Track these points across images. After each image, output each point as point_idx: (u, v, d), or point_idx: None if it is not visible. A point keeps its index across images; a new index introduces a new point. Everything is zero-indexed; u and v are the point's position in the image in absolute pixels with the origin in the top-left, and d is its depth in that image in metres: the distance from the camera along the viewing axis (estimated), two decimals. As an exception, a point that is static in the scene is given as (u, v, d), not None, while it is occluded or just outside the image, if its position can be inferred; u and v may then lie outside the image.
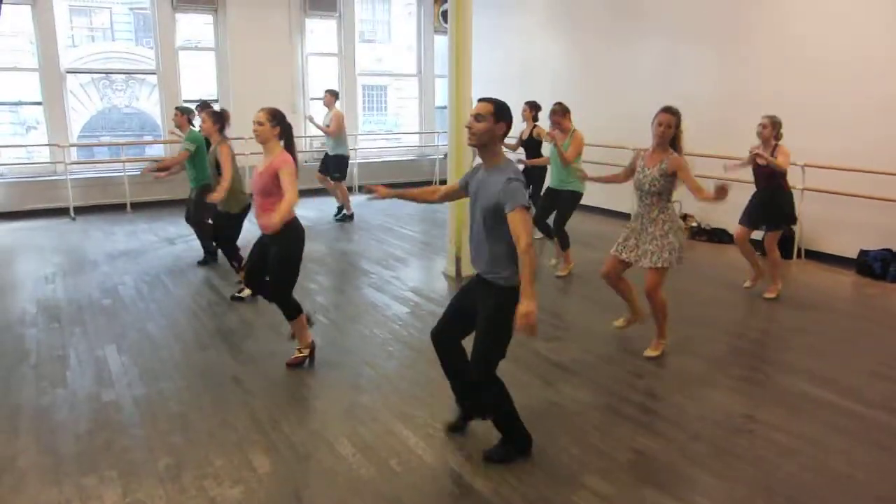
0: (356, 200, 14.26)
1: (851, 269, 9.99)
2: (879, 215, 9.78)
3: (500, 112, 4.39)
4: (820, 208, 10.36)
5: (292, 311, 6.38)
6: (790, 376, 6.37)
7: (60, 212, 13.89)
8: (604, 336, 7.33)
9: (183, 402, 5.81)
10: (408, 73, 19.86)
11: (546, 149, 10.58)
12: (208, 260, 10.24)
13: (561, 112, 9.50)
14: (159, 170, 10.32)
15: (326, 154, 13.53)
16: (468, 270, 9.27)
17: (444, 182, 14.06)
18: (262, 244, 6.34)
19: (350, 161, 14.03)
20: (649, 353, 6.77)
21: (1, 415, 5.57)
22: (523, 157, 11.08)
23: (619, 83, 13.24)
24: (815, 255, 10.61)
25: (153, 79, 16.31)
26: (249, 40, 15.90)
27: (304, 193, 15.25)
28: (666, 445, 5.12)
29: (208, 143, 8.90)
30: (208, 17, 15.97)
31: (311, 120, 14.16)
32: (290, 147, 6.27)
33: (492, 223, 4.37)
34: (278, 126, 6.15)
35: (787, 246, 10.57)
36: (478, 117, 4.39)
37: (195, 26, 16.76)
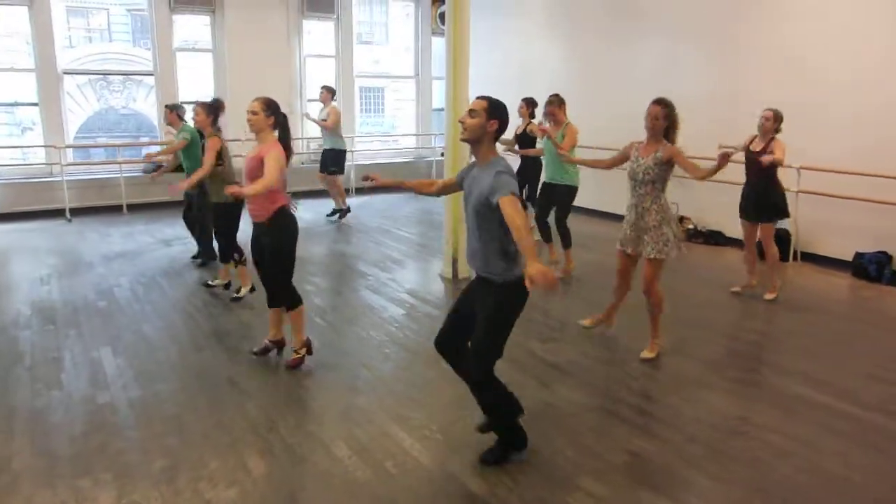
0: (355, 202, 14.24)
1: (847, 271, 10.00)
2: (875, 218, 9.79)
3: (493, 109, 4.40)
4: (816, 211, 10.36)
5: (294, 300, 6.45)
6: (786, 378, 6.37)
7: (56, 213, 13.86)
8: (600, 337, 7.33)
9: (178, 403, 5.81)
10: (405, 75, 19.87)
11: (541, 144, 10.59)
12: (202, 256, 10.30)
13: (557, 103, 9.50)
14: (156, 169, 10.31)
15: (324, 150, 13.54)
16: (465, 272, 9.29)
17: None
18: (256, 239, 6.35)
19: (347, 162, 14.03)
20: (645, 354, 6.76)
21: (-4, 416, 5.57)
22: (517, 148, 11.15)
23: (617, 84, 13.25)
24: (810, 258, 10.62)
25: (150, 80, 16.33)
26: (247, 41, 15.90)
27: (302, 195, 15.33)
28: (661, 447, 5.11)
29: (203, 137, 8.88)
30: (206, 19, 15.98)
31: (308, 116, 14.20)
32: (284, 139, 6.26)
33: (484, 217, 4.37)
34: (272, 116, 6.16)
35: (783, 248, 10.55)
36: (471, 112, 4.41)
37: (193, 27, 16.75)
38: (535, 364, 6.59)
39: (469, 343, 4.70)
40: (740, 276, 9.09)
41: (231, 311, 8.21)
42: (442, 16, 17.53)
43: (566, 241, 9.61)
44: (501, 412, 4.77)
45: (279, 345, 6.73)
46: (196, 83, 16.69)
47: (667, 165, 6.39)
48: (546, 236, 9.86)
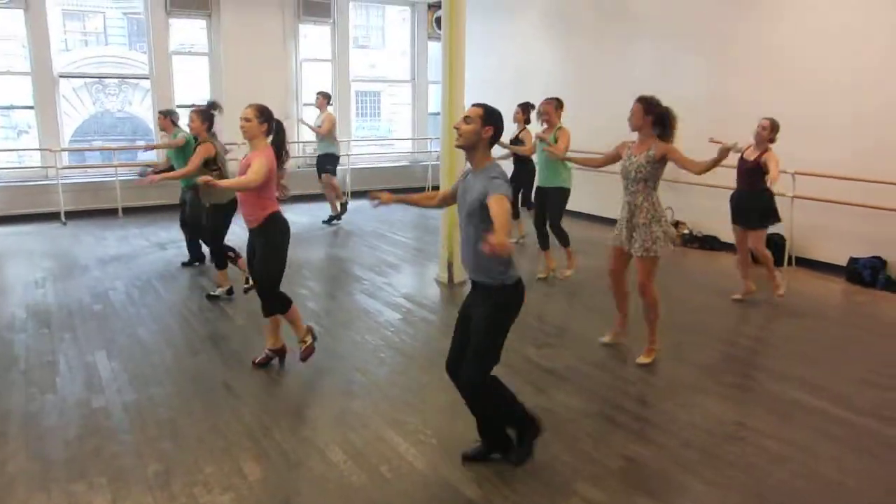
0: (350, 206, 14.24)
1: (841, 276, 10.01)
2: (869, 223, 9.80)
3: (488, 116, 4.41)
4: (810, 216, 10.37)
5: (280, 306, 6.41)
6: (781, 383, 6.38)
7: (51, 216, 13.84)
8: (596, 343, 7.31)
9: (173, 408, 5.79)
10: (401, 79, 19.89)
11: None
12: (193, 262, 10.31)
13: (555, 105, 9.54)
14: (156, 172, 10.31)
15: (318, 156, 13.56)
16: (461, 276, 9.29)
17: (436, 188, 14.08)
18: (251, 244, 6.36)
19: (343, 166, 14.05)
20: (641, 360, 6.76)
21: (-10, 420, 5.56)
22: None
23: (612, 87, 13.25)
24: (805, 263, 10.62)
25: (146, 83, 16.33)
26: (243, 45, 15.90)
27: (298, 199, 15.36)
28: (658, 452, 5.11)
29: (197, 143, 8.88)
30: (202, 22, 15.98)
31: (303, 121, 14.22)
32: (278, 144, 6.27)
33: (478, 221, 4.37)
34: (266, 123, 6.16)
35: (777, 253, 10.58)
36: (466, 119, 4.42)
37: (189, 31, 16.78)
38: (532, 370, 6.59)
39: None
40: (735, 281, 9.09)
41: (227, 315, 8.20)
42: (438, 20, 17.54)
43: (564, 241, 9.61)
44: (500, 416, 4.74)
45: (280, 353, 6.70)
46: (192, 87, 16.71)
47: (659, 164, 6.40)
48: (544, 243, 9.83)
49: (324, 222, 13.74)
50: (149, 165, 12.58)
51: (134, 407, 5.78)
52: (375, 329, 7.78)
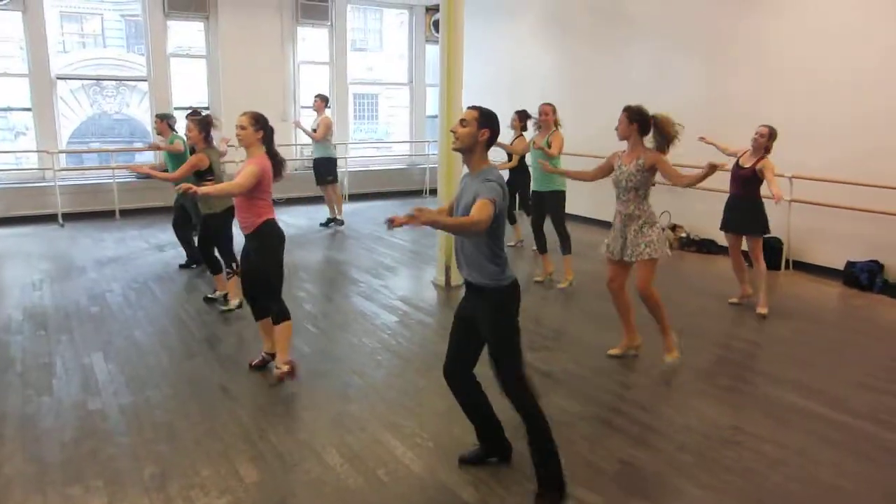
0: (348, 208, 14.24)
1: (838, 280, 10.01)
2: (866, 227, 9.81)
3: (484, 118, 4.40)
4: (807, 220, 10.39)
5: (280, 313, 6.35)
6: (778, 387, 6.38)
7: (49, 218, 13.83)
8: (593, 346, 7.31)
9: (169, 410, 5.79)
10: (399, 82, 19.90)
11: (528, 158, 10.65)
12: (190, 264, 10.32)
13: (553, 110, 9.56)
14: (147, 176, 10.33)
15: (315, 160, 13.55)
16: (457, 279, 9.28)
17: (433, 191, 14.08)
18: (246, 251, 6.34)
19: (340, 168, 14.06)
20: (667, 358, 6.71)
21: (-14, 422, 5.55)
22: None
23: (609, 91, 13.25)
24: (802, 267, 10.63)
25: (144, 85, 16.30)
26: (241, 48, 15.90)
27: (295, 202, 15.41)
28: (654, 456, 5.12)
29: (193, 151, 8.87)
30: (200, 24, 15.97)
31: (299, 125, 14.23)
32: (270, 151, 6.26)
33: None
34: (261, 130, 6.15)
35: (774, 257, 10.60)
36: (462, 122, 4.42)
37: (187, 33, 16.76)
38: (528, 373, 6.57)
39: (474, 367, 4.74)
40: (732, 285, 9.09)
41: (223, 318, 8.20)
42: (436, 23, 17.58)
43: (565, 247, 9.59)
44: (545, 443, 4.52)
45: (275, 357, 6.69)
46: (190, 89, 16.71)
47: (649, 172, 6.41)
48: (541, 247, 9.82)
49: (321, 224, 13.73)
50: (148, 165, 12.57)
51: (130, 409, 5.78)
52: (372, 332, 7.78)
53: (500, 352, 4.48)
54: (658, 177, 6.52)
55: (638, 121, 6.44)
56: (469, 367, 4.74)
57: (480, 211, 4.13)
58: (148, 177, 10.03)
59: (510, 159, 11.42)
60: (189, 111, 10.51)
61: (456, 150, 4.50)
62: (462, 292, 4.84)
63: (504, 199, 4.29)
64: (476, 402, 4.79)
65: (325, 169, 13.40)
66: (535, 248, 10.20)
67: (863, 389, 6.37)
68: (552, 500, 4.49)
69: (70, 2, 22.01)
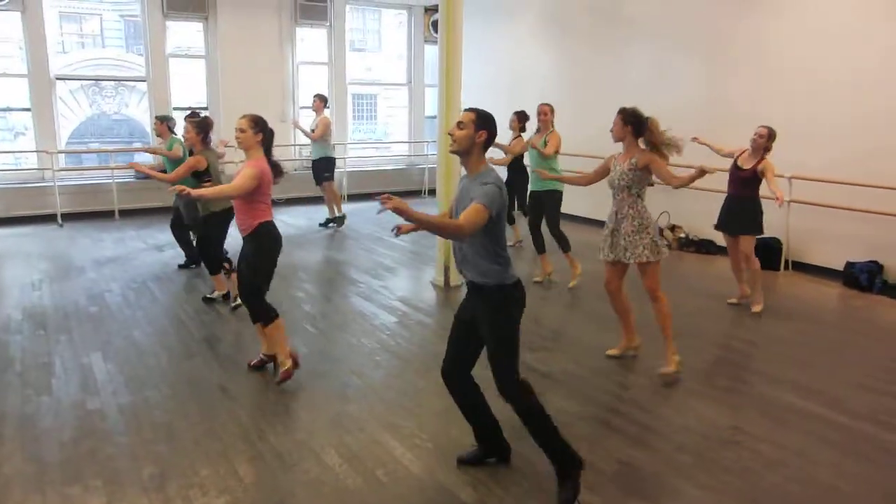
0: (347, 208, 14.24)
1: (838, 280, 10.01)
2: (866, 227, 9.82)
3: (481, 120, 4.40)
4: (807, 220, 10.39)
5: (264, 315, 6.33)
6: (776, 387, 6.38)
7: (48, 218, 13.83)
8: (592, 347, 7.31)
9: (168, 410, 5.79)
10: (398, 83, 19.90)
11: (526, 157, 10.67)
12: (189, 264, 10.32)
13: (552, 110, 9.62)
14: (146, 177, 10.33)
15: (313, 161, 13.56)
16: (457, 280, 9.29)
17: (432, 191, 14.08)
18: (243, 249, 6.33)
19: (339, 169, 14.07)
20: (664, 370, 6.67)
21: (-15, 422, 5.55)
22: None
23: (608, 92, 13.24)
24: (801, 267, 10.64)
25: (143, 86, 16.30)
26: (240, 48, 15.90)
27: (295, 202, 15.39)
28: (652, 456, 5.12)
29: (191, 153, 8.87)
30: (199, 25, 15.97)
31: (297, 125, 14.25)
32: (269, 154, 6.26)
33: None
34: (261, 133, 6.13)
35: (774, 257, 10.61)
36: (460, 124, 4.42)
37: (186, 33, 16.77)
38: (527, 373, 6.49)
39: (472, 369, 4.74)
40: (731, 286, 9.09)
41: (222, 318, 8.20)
42: (434, 24, 17.57)
43: (564, 245, 9.59)
44: (550, 435, 4.54)
45: (274, 359, 6.68)
46: (189, 89, 16.71)
47: (642, 172, 6.41)
48: (539, 247, 9.83)
49: (320, 225, 13.74)
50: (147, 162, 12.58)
51: (129, 409, 5.78)
52: (371, 332, 7.78)
53: (498, 352, 4.47)
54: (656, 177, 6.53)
55: (632, 122, 6.45)
56: (467, 369, 4.74)
57: (469, 216, 4.13)
58: (147, 177, 10.02)
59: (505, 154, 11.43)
60: (188, 113, 10.52)
61: (453, 152, 4.49)
62: (462, 293, 4.84)
63: (502, 200, 4.29)
64: (474, 403, 4.79)
65: (322, 168, 13.41)
66: (512, 243, 10.23)
67: (862, 390, 6.37)
68: (572, 493, 4.48)
69: (69, 2, 22.01)
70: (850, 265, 9.90)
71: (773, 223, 10.08)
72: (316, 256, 11.50)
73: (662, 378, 6.52)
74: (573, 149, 12.18)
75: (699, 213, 11.45)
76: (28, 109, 14.52)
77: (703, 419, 5.73)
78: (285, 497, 4.56)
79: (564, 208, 9.65)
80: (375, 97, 24.83)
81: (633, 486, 4.74)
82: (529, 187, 9.95)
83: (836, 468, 4.99)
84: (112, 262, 10.77)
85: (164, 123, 9.96)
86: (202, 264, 10.03)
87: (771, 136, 8.30)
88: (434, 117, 12.39)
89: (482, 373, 4.68)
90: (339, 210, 13.72)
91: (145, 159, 15.49)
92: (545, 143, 9.32)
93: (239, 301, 8.35)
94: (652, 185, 6.62)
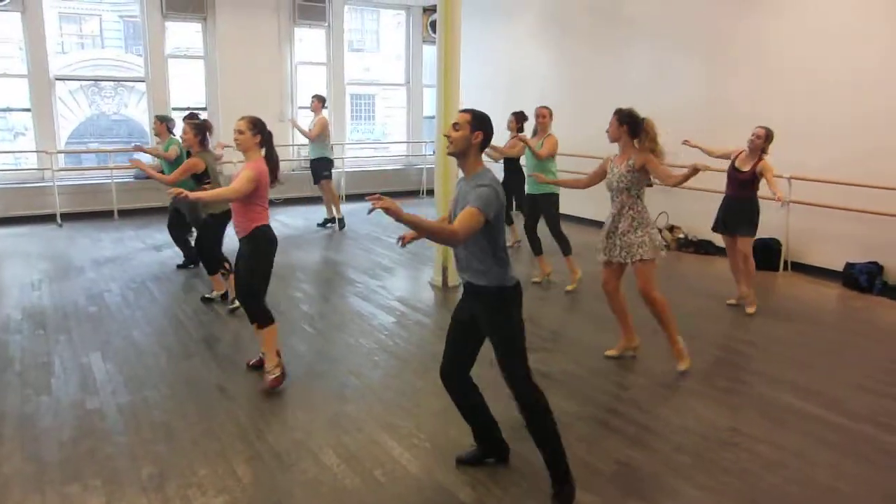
0: (345, 208, 14.24)
1: (838, 281, 10.01)
2: (866, 228, 9.82)
3: (477, 121, 4.39)
4: (806, 221, 10.39)
5: (262, 318, 6.30)
6: (775, 388, 6.38)
7: (47, 218, 13.83)
8: (590, 347, 7.31)
9: (167, 410, 5.79)
10: (396, 83, 19.91)
11: (523, 159, 10.68)
12: (188, 265, 10.34)
13: (550, 113, 9.65)
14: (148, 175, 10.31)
15: (311, 161, 13.58)
16: (455, 280, 9.29)
17: (430, 192, 14.07)
18: (239, 251, 6.33)
19: (338, 169, 14.08)
20: (679, 367, 6.67)
21: (-16, 422, 5.55)
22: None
23: (608, 92, 13.24)
24: (801, 268, 10.64)
25: (142, 86, 16.29)
26: (239, 48, 15.91)
27: (293, 202, 15.39)
28: (651, 457, 5.12)
29: (189, 155, 8.88)
30: (198, 25, 15.97)
31: (295, 123, 14.27)
32: (269, 156, 6.25)
33: None
34: (259, 135, 6.12)
35: (773, 258, 10.61)
36: (455, 126, 4.41)
37: (185, 34, 16.76)
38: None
39: (471, 369, 4.74)
40: (730, 286, 9.09)
41: (221, 318, 8.20)
42: (433, 24, 17.59)
43: (565, 248, 9.59)
44: (553, 440, 4.52)
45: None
46: (188, 89, 16.71)
47: (640, 173, 6.42)
48: (536, 249, 9.82)
49: (319, 225, 13.75)
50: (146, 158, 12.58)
51: (128, 409, 5.78)
52: (369, 332, 7.78)
53: (503, 352, 4.47)
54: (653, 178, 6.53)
55: (628, 123, 6.47)
56: (466, 369, 4.73)
57: (463, 221, 4.12)
58: (147, 177, 10.02)
59: None
60: (186, 114, 10.52)
61: (450, 154, 4.49)
62: (460, 292, 4.83)
63: (499, 202, 4.27)
64: (473, 403, 4.79)
65: (320, 167, 13.43)
66: (511, 243, 10.22)
67: (861, 391, 6.37)
68: (566, 499, 4.49)
69: (69, 3, 21.99)
70: (849, 266, 9.90)
71: (773, 224, 10.11)
72: (314, 256, 11.50)
73: (655, 370, 6.54)
74: (572, 149, 12.18)
75: (698, 213, 11.45)
76: (28, 110, 14.53)
77: (702, 420, 5.73)
78: (283, 497, 4.56)
79: (566, 210, 9.67)
80: (374, 97, 24.81)
81: (631, 487, 4.73)
82: (526, 189, 9.94)
83: (836, 469, 4.99)
84: (111, 261, 10.77)
85: (163, 123, 9.95)
86: (200, 264, 10.06)
87: (768, 136, 8.29)
88: (432, 118, 12.40)
89: (481, 373, 4.68)
90: (339, 212, 13.73)
91: (145, 159, 15.53)
92: (541, 146, 9.32)
93: (237, 304, 8.38)
94: (651, 185, 6.63)
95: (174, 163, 9.44)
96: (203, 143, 8.56)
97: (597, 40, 14.01)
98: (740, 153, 8.49)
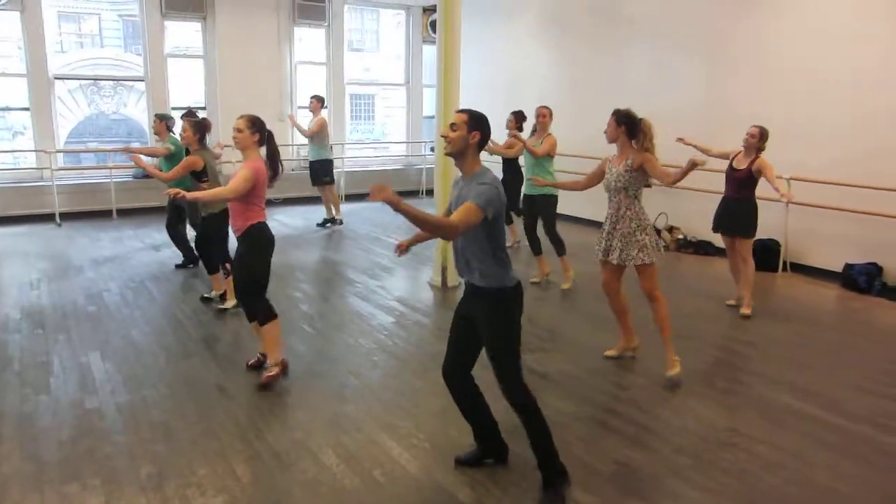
0: (344, 209, 14.25)
1: (837, 282, 10.01)
2: (865, 229, 9.82)
3: (473, 121, 4.39)
4: (805, 222, 10.39)
5: (263, 314, 6.32)
6: (774, 389, 6.38)
7: (46, 217, 13.83)
8: (589, 347, 7.31)
9: (166, 410, 5.79)
10: (396, 83, 19.92)
11: (521, 160, 10.68)
12: (187, 264, 10.36)
13: (549, 112, 9.65)
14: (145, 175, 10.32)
15: (311, 163, 13.59)
16: (454, 280, 9.29)
17: (430, 192, 14.07)
18: (237, 249, 6.33)
19: (337, 169, 14.09)
20: (668, 373, 6.67)
21: (-18, 421, 5.55)
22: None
23: (608, 92, 13.24)
24: (800, 269, 10.64)
25: (141, 85, 16.32)
26: (238, 48, 15.92)
27: (292, 202, 15.40)
28: (650, 458, 5.12)
29: (188, 153, 8.87)
30: (197, 25, 15.98)
31: (293, 120, 14.29)
32: (271, 154, 6.26)
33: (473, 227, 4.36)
34: (257, 133, 6.13)
35: (772, 259, 10.61)
36: (453, 126, 4.41)
37: (184, 33, 16.77)
38: (525, 374, 6.54)
39: (472, 368, 4.74)
40: (729, 287, 9.09)
41: (220, 318, 8.20)
42: (433, 24, 17.59)
43: (559, 249, 9.61)
44: (544, 436, 4.57)
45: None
46: (187, 89, 16.71)
47: (638, 172, 6.42)
48: (535, 249, 9.83)
49: (318, 225, 13.75)
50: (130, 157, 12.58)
51: (127, 408, 5.78)
52: (369, 332, 7.77)
53: (498, 353, 4.48)
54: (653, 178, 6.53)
55: (625, 123, 6.47)
56: (468, 369, 4.73)
57: (461, 215, 4.13)
58: (146, 175, 10.03)
59: None
60: (184, 112, 10.52)
61: (448, 154, 4.49)
62: (459, 293, 4.83)
63: (500, 200, 4.28)
64: (474, 403, 4.78)
65: (321, 171, 13.44)
66: (510, 243, 10.21)
67: (860, 392, 6.37)
68: (556, 494, 4.51)
69: (68, 2, 22.01)
70: (848, 267, 9.90)
71: (772, 224, 10.12)
72: (313, 256, 11.50)
73: (670, 381, 6.50)
74: (572, 149, 12.19)
75: (697, 214, 11.45)
76: (27, 109, 14.54)
77: (702, 420, 5.73)
78: (282, 497, 4.56)
79: (567, 210, 9.68)
80: (373, 97, 24.83)
81: (630, 487, 4.73)
82: (524, 191, 9.94)
83: (835, 470, 4.99)
84: (110, 261, 10.77)
85: (163, 122, 9.95)
86: (200, 264, 10.06)
87: (763, 135, 8.30)
88: (432, 117, 12.42)
89: (481, 373, 4.68)
90: (338, 213, 13.74)
91: (145, 159, 15.52)
92: (540, 145, 9.33)
93: (225, 305, 8.41)
94: (649, 186, 6.63)
95: (170, 160, 9.45)
96: (202, 141, 8.56)
97: (597, 40, 14.02)
98: (738, 154, 8.50)
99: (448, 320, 4.83)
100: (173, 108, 14.81)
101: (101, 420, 5.57)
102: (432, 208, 9.53)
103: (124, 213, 14.53)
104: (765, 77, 10.91)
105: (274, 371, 6.31)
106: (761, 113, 9.56)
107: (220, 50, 15.81)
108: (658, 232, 11.43)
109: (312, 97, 13.46)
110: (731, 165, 8.54)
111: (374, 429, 5.49)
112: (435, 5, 10.30)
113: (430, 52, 18.42)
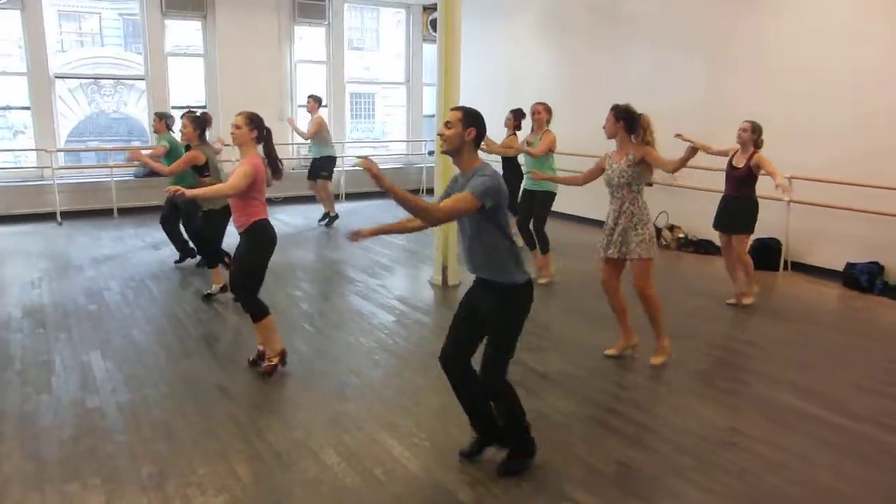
0: (344, 207, 14.24)
1: (838, 281, 10.00)
2: (866, 228, 9.81)
3: (469, 118, 4.44)
4: (807, 221, 10.38)
5: (256, 311, 6.33)
6: (776, 389, 6.37)
7: (47, 216, 13.83)
8: (588, 347, 7.30)
9: (167, 409, 5.78)
10: (396, 81, 19.90)
11: (521, 157, 10.68)
12: (184, 258, 10.41)
13: (545, 108, 9.66)
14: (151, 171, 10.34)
15: (313, 160, 13.60)
16: (455, 279, 9.28)
17: (430, 190, 14.08)
18: (238, 247, 6.34)
19: (337, 167, 14.09)
20: (653, 360, 6.73)
21: (-17, 420, 5.54)
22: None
23: (608, 91, 13.16)
24: (801, 268, 10.62)
25: (142, 84, 16.31)
26: (238, 47, 15.92)
27: (292, 200, 15.40)
28: (650, 457, 5.11)
29: (188, 150, 8.88)
30: (197, 24, 15.98)
31: (292, 123, 14.28)
32: (269, 153, 6.28)
33: (478, 219, 4.38)
34: (255, 130, 6.14)
35: (773, 258, 10.60)
36: (447, 124, 4.46)
37: (184, 32, 16.76)
38: (524, 373, 6.56)
39: (474, 356, 4.73)
40: (730, 286, 9.06)
41: (221, 316, 8.20)
42: (433, 23, 17.59)
43: (544, 247, 9.63)
44: (517, 419, 4.74)
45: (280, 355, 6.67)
46: (187, 88, 16.70)
47: (639, 166, 6.43)
48: (530, 243, 9.82)
49: (320, 221, 13.75)
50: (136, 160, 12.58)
51: (128, 408, 5.78)
52: (369, 331, 7.77)
53: (496, 347, 4.52)
54: (655, 177, 6.53)
55: (624, 118, 6.49)
56: (468, 355, 4.74)
57: (450, 201, 4.25)
58: (147, 174, 10.04)
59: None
60: (184, 112, 10.53)
61: (445, 152, 4.53)
62: (460, 292, 4.84)
63: (500, 191, 4.33)
64: (472, 392, 4.78)
65: (321, 166, 13.45)
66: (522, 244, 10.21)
67: (862, 392, 6.36)
68: (521, 463, 4.77)
69: (68, 1, 21.98)
70: (850, 266, 9.89)
71: (773, 223, 10.11)
72: (313, 255, 11.50)
73: (652, 369, 6.54)
74: (573, 148, 12.17)
75: (698, 212, 11.45)
76: (27, 108, 14.55)
77: (702, 420, 5.73)
78: (283, 496, 4.56)
79: (566, 208, 9.68)
80: (373, 96, 24.78)
81: (631, 487, 4.73)
82: (524, 185, 9.95)
83: (837, 470, 4.98)
84: (111, 260, 10.77)
85: (162, 121, 9.97)
86: (196, 255, 10.09)
87: (755, 129, 8.32)
88: (432, 116, 12.40)
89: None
90: (333, 210, 13.74)
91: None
92: (538, 143, 9.33)
93: (210, 291, 8.48)
94: (651, 185, 6.64)
95: (170, 155, 9.48)
96: (202, 136, 8.58)
97: (597, 39, 14.01)
98: (736, 152, 8.50)
99: (448, 318, 4.83)
100: (174, 107, 14.79)
101: (102, 419, 5.57)
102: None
103: (125, 211, 14.53)
104: (765, 77, 10.90)
105: (273, 360, 6.37)
106: (761, 112, 9.55)
107: (221, 49, 15.81)
108: (659, 231, 11.44)
109: (309, 97, 13.45)
110: (730, 164, 8.55)
111: (375, 427, 5.48)
112: (435, 4, 10.29)
113: (430, 51, 18.40)
